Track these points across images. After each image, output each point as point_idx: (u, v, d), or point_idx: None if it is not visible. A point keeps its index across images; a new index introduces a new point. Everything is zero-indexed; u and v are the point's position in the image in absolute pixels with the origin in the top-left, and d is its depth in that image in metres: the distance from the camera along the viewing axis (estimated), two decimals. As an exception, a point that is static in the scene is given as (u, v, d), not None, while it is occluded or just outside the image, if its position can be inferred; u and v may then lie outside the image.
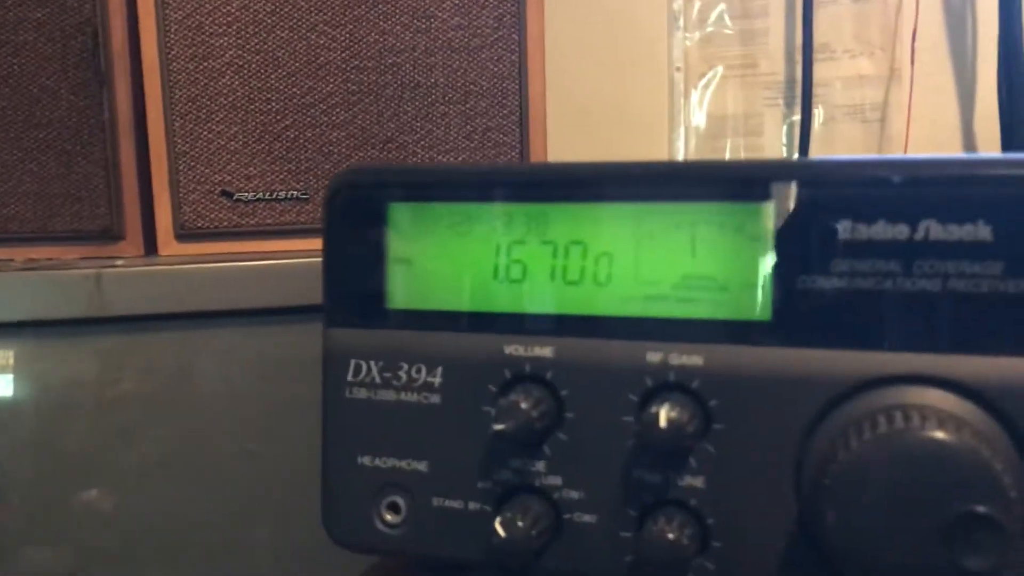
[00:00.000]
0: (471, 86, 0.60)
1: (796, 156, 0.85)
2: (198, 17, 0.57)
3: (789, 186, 0.23)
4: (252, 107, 0.58)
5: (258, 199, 0.58)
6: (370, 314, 0.26)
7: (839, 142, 0.86)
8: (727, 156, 0.89)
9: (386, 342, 0.26)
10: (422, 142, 0.60)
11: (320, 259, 0.27)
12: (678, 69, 0.90)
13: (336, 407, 0.27)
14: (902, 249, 0.22)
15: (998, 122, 0.75)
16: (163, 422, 0.52)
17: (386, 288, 0.26)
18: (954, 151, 0.83)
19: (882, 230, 0.22)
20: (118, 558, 0.52)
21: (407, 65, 0.60)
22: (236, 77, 0.57)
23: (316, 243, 0.28)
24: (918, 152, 0.83)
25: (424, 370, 0.26)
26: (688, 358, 0.23)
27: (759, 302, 0.23)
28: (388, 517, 0.26)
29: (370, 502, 0.26)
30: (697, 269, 0.24)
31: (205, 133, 0.57)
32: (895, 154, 0.84)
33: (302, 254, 0.55)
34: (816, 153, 0.86)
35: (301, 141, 0.58)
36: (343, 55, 0.59)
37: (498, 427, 0.24)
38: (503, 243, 0.26)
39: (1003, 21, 0.74)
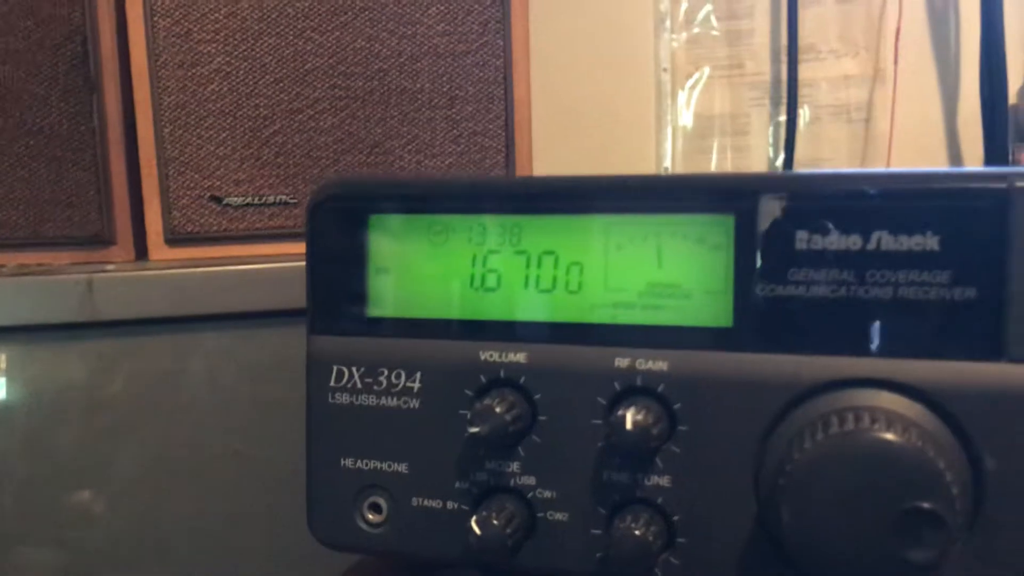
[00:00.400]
0: (457, 91, 0.61)
1: (781, 157, 0.86)
2: (186, 24, 0.58)
3: (749, 199, 0.24)
4: (240, 113, 0.58)
5: (247, 204, 0.59)
6: (352, 322, 0.27)
7: (825, 142, 0.87)
8: (714, 156, 0.90)
9: (367, 349, 0.27)
10: (408, 147, 0.61)
11: (308, 263, 0.28)
12: (665, 70, 0.90)
13: (319, 411, 0.28)
14: (855, 259, 0.23)
15: (980, 120, 0.77)
16: (154, 425, 0.53)
17: (367, 296, 0.27)
18: (938, 150, 0.85)
19: (836, 241, 0.23)
20: (110, 559, 0.52)
21: (393, 71, 0.60)
22: (224, 83, 0.58)
23: (305, 247, 0.29)
24: (902, 151, 0.84)
25: (404, 376, 0.27)
26: (654, 363, 0.24)
27: (721, 309, 0.24)
28: (370, 517, 0.27)
29: (353, 503, 0.27)
30: (662, 278, 0.25)
31: (194, 139, 0.58)
32: (880, 154, 0.85)
33: (291, 258, 0.55)
34: (802, 152, 0.87)
35: (289, 146, 0.59)
36: (330, 61, 0.59)
37: (473, 430, 0.25)
38: (479, 253, 0.27)
39: (985, 20, 0.76)
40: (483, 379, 0.26)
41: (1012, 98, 0.77)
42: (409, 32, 0.60)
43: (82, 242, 0.57)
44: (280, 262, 0.54)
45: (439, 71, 0.61)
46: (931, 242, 0.23)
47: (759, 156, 0.89)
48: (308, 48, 0.59)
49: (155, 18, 0.57)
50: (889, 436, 0.21)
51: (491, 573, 0.27)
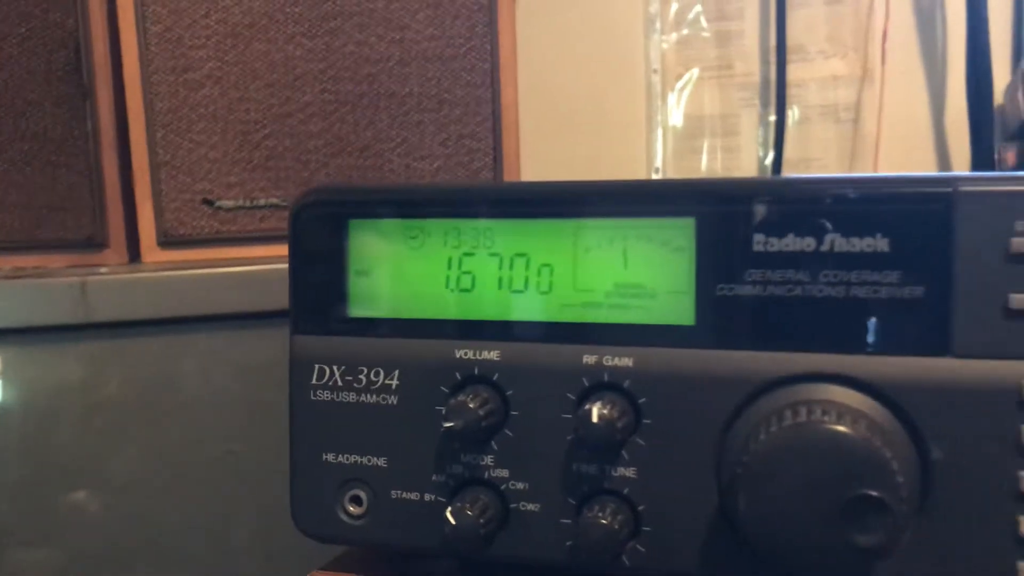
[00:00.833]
0: (445, 94, 0.62)
1: (771, 156, 0.87)
2: (177, 31, 0.59)
3: (709, 204, 0.25)
4: (231, 117, 0.59)
5: (238, 207, 0.60)
6: (332, 322, 0.29)
7: (814, 142, 0.88)
8: (704, 156, 0.91)
9: (347, 348, 0.28)
10: (398, 150, 0.62)
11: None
12: (655, 71, 0.91)
13: (302, 408, 0.29)
14: (809, 260, 0.24)
15: (968, 120, 0.77)
16: (148, 425, 0.53)
17: (347, 298, 0.29)
18: (926, 149, 0.85)
19: (791, 243, 0.24)
20: (105, 559, 0.53)
21: (382, 75, 0.61)
22: (215, 88, 0.59)
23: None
24: (890, 150, 0.85)
25: (382, 373, 0.28)
26: (620, 360, 0.26)
27: (683, 308, 0.25)
28: (351, 509, 0.28)
29: (334, 496, 0.28)
30: (628, 279, 0.26)
31: (186, 143, 0.59)
32: (869, 153, 0.86)
33: (282, 259, 0.56)
34: (791, 152, 0.88)
35: (280, 150, 0.60)
36: (320, 66, 0.60)
37: (448, 425, 0.26)
38: (454, 256, 0.28)
39: (970, 20, 0.76)
40: (458, 376, 0.27)
41: (998, 97, 0.78)
42: (398, 37, 0.61)
43: (76, 245, 0.58)
44: (271, 264, 0.55)
45: (427, 75, 0.62)
46: (881, 244, 0.24)
47: (749, 156, 0.90)
48: (298, 53, 0.60)
49: (147, 24, 0.58)
50: (839, 428, 0.22)
51: (468, 563, 0.28)
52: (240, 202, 0.60)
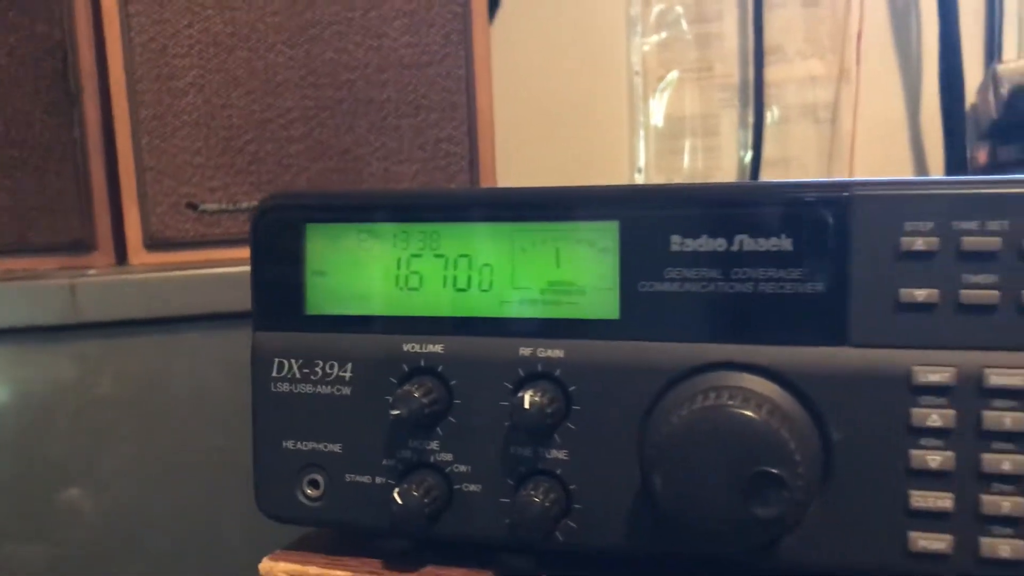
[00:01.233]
0: (422, 100, 0.64)
1: (750, 156, 0.89)
2: (161, 40, 0.61)
3: (631, 208, 0.27)
4: (214, 123, 0.61)
5: (222, 210, 0.62)
6: (291, 319, 0.31)
7: (793, 141, 0.90)
8: (686, 156, 0.92)
9: (304, 343, 0.31)
10: (376, 154, 0.64)
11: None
12: (637, 73, 0.93)
13: (263, 400, 0.31)
14: (721, 259, 0.27)
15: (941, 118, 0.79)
16: (138, 423, 0.55)
17: (304, 296, 0.31)
18: (902, 148, 0.87)
19: (705, 243, 0.27)
20: (97, 555, 0.54)
21: (361, 81, 0.63)
22: (199, 95, 0.61)
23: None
24: (867, 149, 0.87)
25: (337, 366, 0.30)
26: (552, 351, 0.28)
27: (609, 304, 0.28)
28: (309, 492, 0.31)
29: (294, 480, 0.31)
30: (560, 277, 0.28)
31: (170, 149, 0.61)
32: (846, 152, 0.87)
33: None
34: (771, 151, 0.90)
35: (261, 155, 0.62)
36: (300, 73, 0.62)
37: (395, 413, 0.28)
38: (403, 257, 0.30)
39: (943, 21, 0.78)
40: (405, 368, 0.29)
41: (971, 97, 0.79)
42: (375, 44, 0.63)
43: (65, 248, 0.60)
44: (252, 265, 0.57)
45: (404, 81, 0.64)
46: (785, 244, 0.26)
47: (729, 156, 0.91)
48: (279, 61, 0.62)
49: (132, 34, 0.60)
50: (743, 411, 0.24)
51: (418, 542, 0.30)
52: (223, 205, 0.62)
